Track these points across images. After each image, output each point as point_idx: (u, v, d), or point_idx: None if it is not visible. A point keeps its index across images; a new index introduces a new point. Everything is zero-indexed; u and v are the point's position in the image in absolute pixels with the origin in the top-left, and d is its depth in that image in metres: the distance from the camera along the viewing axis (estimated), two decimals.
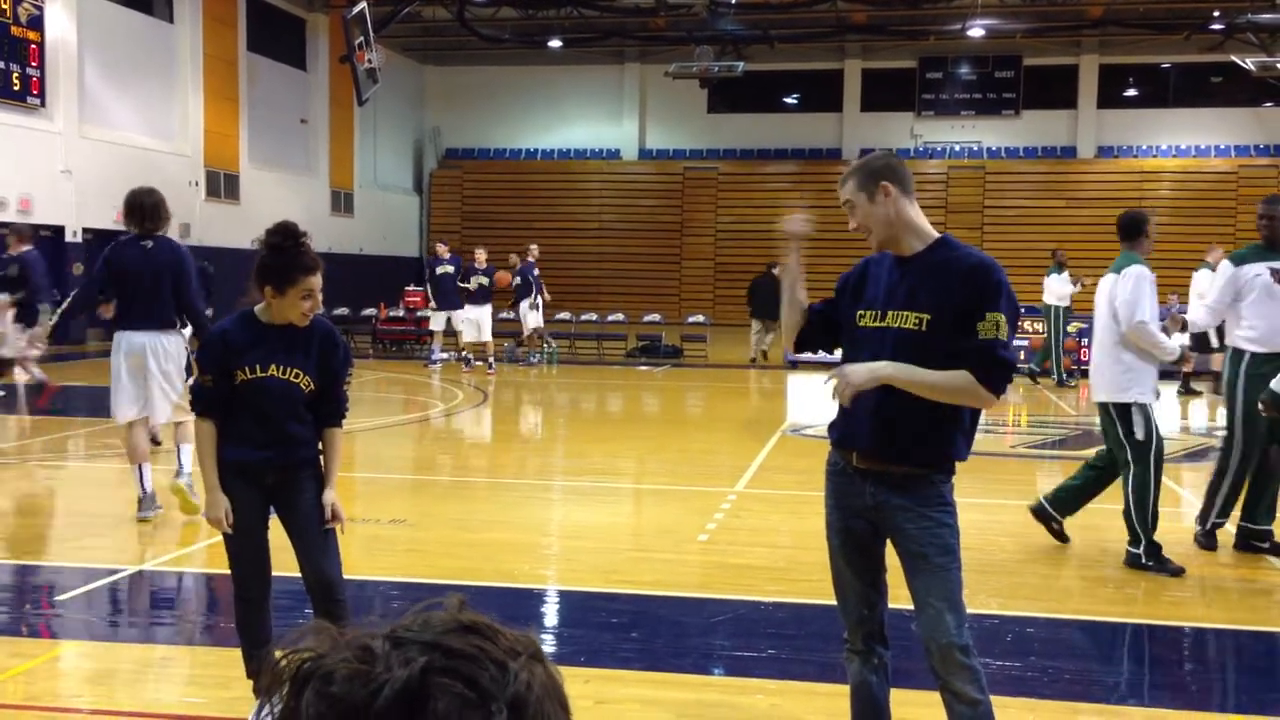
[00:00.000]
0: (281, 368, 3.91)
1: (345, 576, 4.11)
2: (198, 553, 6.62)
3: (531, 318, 19.14)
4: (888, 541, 3.36)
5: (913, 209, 3.28)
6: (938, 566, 3.21)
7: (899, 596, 3.48)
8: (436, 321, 18.36)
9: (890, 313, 3.22)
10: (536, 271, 18.84)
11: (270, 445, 3.94)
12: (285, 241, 3.86)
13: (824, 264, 3.28)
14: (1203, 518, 6.88)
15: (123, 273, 7.02)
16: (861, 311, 3.29)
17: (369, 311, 21.86)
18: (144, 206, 7.06)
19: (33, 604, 5.84)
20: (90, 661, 4.92)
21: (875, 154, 3.46)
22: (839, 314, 3.43)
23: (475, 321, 17.67)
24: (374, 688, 0.81)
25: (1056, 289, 16.90)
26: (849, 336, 3.37)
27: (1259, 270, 6.57)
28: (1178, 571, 6.26)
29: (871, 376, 3.16)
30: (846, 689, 3.52)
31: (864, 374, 3.17)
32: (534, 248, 19.49)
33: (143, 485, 7.23)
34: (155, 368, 7.12)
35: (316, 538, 4.00)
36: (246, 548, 4.02)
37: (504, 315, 20.13)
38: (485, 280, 17.66)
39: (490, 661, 0.84)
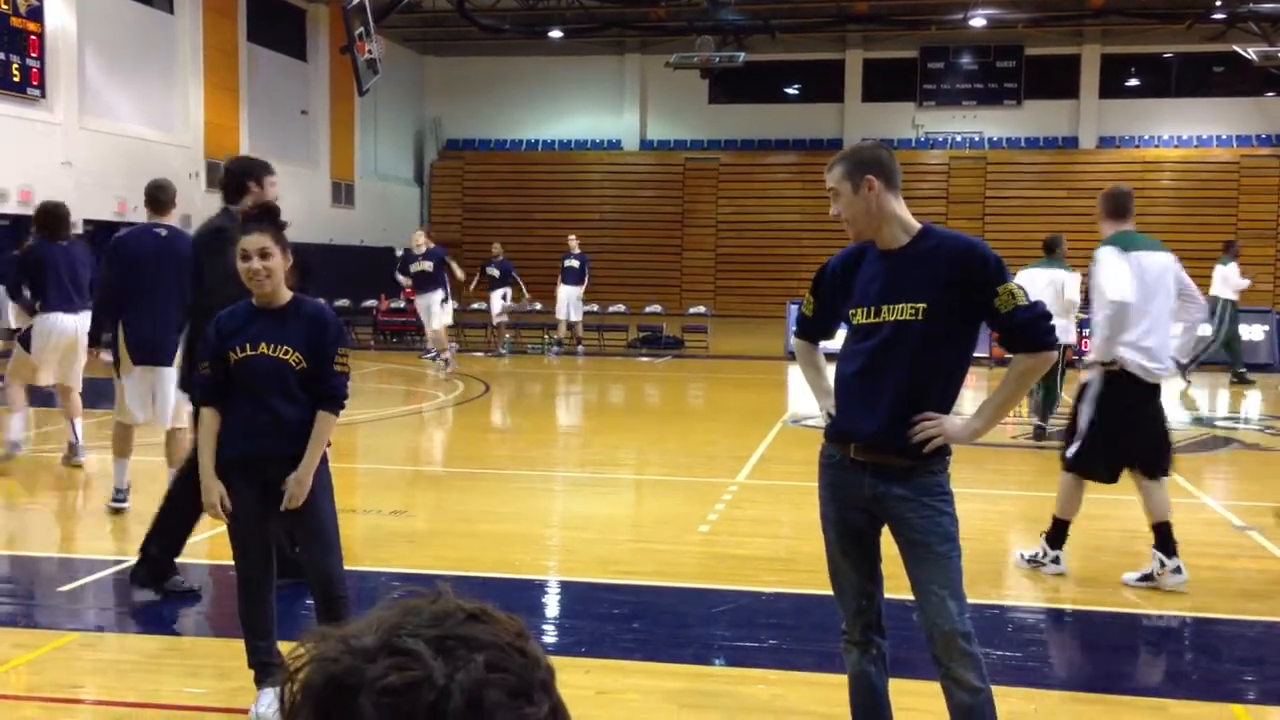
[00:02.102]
0: (270, 345, 3.94)
1: (347, 568, 4.12)
2: (200, 544, 6.62)
3: (497, 309, 19.44)
4: (883, 531, 3.37)
5: (896, 203, 3.29)
6: (940, 555, 3.22)
7: (898, 587, 3.48)
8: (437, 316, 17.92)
9: (884, 306, 3.23)
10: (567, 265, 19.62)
11: (266, 432, 3.93)
12: (245, 214, 4.09)
13: (822, 254, 3.28)
14: None
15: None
16: (854, 310, 3.31)
17: (370, 303, 21.85)
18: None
19: (35, 595, 5.85)
20: (92, 652, 4.93)
21: (865, 144, 3.47)
22: (826, 307, 3.48)
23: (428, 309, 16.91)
24: (437, 694, 0.81)
25: (1233, 280, 15.66)
26: (845, 328, 3.41)
27: None
28: None
29: (970, 437, 3.29)
30: (846, 679, 3.52)
31: (964, 436, 3.26)
32: (572, 239, 20.19)
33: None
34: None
35: (317, 536, 4.00)
36: (249, 541, 4.03)
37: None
38: (428, 266, 16.70)
39: (513, 650, 0.85)
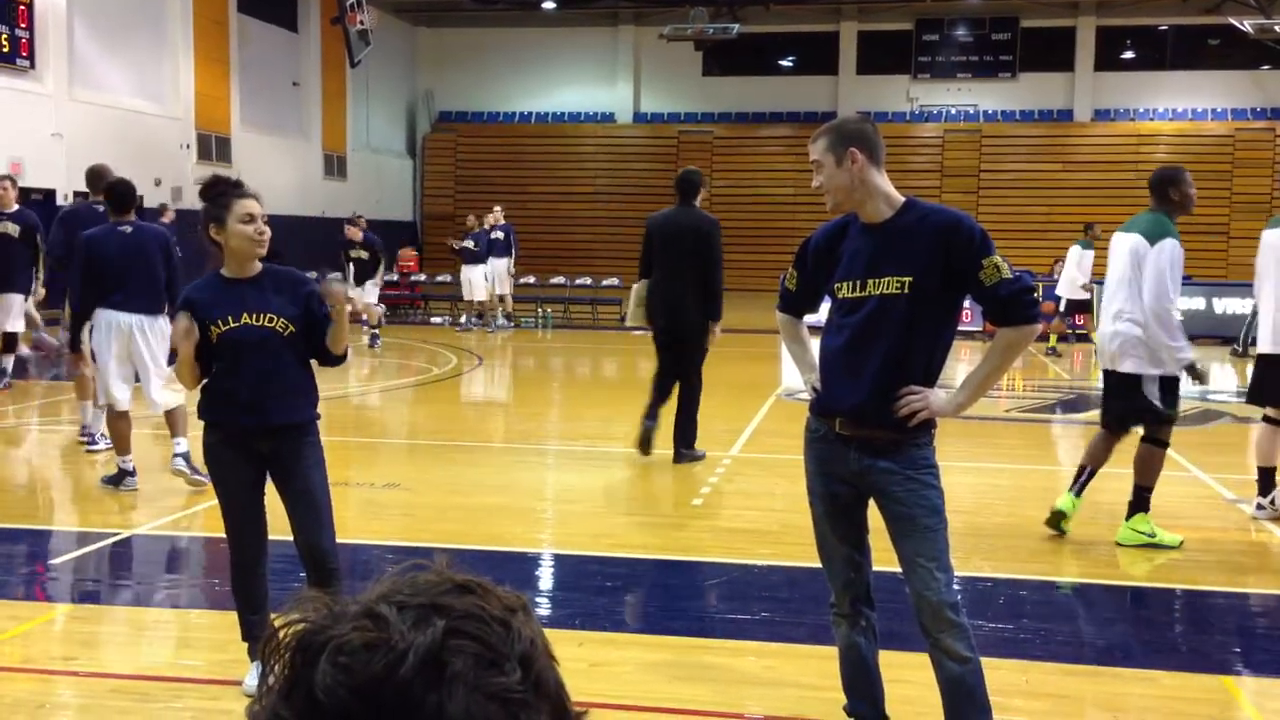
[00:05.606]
0: (254, 315, 3.89)
1: (340, 540, 4.12)
2: (194, 516, 6.63)
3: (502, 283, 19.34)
4: (869, 504, 3.39)
5: (880, 177, 3.29)
6: (926, 528, 3.24)
7: (888, 560, 3.49)
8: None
9: (869, 280, 3.24)
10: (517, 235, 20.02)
11: (256, 405, 3.90)
12: (215, 183, 3.97)
13: (813, 228, 3.27)
14: None
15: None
16: (839, 284, 3.32)
17: None
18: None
19: (28, 567, 5.85)
20: (86, 625, 4.94)
21: (850, 117, 3.49)
22: (810, 281, 3.50)
23: (473, 281, 18.72)
24: (394, 657, 0.80)
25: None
26: (829, 303, 3.44)
27: None
28: None
29: (955, 411, 3.33)
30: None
31: (950, 410, 3.29)
32: (498, 209, 19.77)
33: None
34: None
35: (310, 509, 3.98)
36: (241, 515, 4.02)
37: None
38: (471, 244, 18.73)
39: (494, 620, 0.84)
